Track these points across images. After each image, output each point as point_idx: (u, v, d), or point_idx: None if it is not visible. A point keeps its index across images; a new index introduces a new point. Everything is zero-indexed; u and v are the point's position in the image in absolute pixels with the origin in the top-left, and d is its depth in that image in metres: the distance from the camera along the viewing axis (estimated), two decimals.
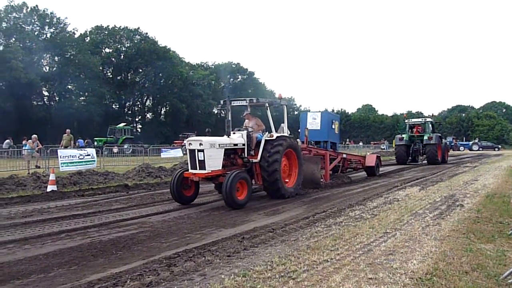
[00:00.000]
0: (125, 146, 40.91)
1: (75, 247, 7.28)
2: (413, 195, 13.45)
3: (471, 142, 76.32)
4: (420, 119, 35.88)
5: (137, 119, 79.22)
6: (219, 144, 11.59)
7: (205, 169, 11.21)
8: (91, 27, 72.03)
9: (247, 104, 12.94)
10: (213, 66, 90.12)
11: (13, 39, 58.83)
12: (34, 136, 23.86)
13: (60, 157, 18.84)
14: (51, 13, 64.07)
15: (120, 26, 73.05)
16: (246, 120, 13.61)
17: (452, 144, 66.74)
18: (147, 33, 75.07)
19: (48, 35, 63.53)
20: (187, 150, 11.78)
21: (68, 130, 26.76)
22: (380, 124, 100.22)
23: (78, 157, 19.39)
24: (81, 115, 58.87)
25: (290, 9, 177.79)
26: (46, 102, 64.78)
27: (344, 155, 20.01)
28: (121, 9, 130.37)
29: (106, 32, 72.07)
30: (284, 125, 13.80)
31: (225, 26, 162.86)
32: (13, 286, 5.37)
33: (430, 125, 33.18)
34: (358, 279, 5.40)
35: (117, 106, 74.80)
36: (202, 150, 11.20)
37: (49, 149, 23.47)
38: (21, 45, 57.45)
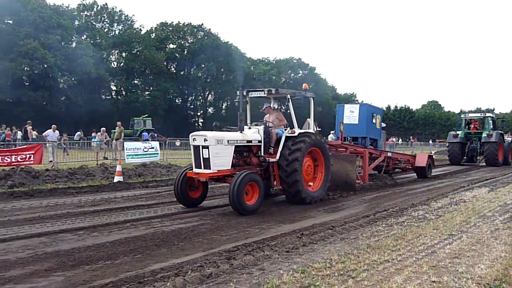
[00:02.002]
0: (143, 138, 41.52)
1: (139, 236, 7.56)
2: (481, 196, 12.84)
3: None
4: (478, 114, 31.90)
5: (199, 114, 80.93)
6: (228, 140, 10.11)
7: (210, 169, 9.77)
8: (157, 24, 74.41)
9: (265, 95, 11.53)
10: (274, 61, 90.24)
11: (84, 36, 61.87)
12: (103, 129, 25.00)
13: (126, 149, 19.59)
14: (120, 10, 66.94)
15: (184, 23, 74.91)
16: (266, 115, 12.18)
17: None
18: (210, 29, 76.49)
19: (117, 32, 66.34)
20: (191, 147, 10.34)
21: (119, 123, 27.37)
22: (446, 122, 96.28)
23: (143, 150, 20.04)
24: (146, 109, 60.99)
25: (349, 2, 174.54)
26: (113, 96, 67.66)
27: (389, 154, 18.42)
28: (186, 6, 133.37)
29: (171, 29, 74.02)
30: (310, 121, 12.20)
31: (286, 21, 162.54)
32: (83, 271, 5.66)
33: (491, 121, 28.90)
34: (420, 281, 5.24)
35: (180, 100, 76.73)
36: (207, 147, 9.77)
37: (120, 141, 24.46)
38: (91, 41, 60.37)
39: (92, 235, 7.61)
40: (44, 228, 8.06)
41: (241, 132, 10.78)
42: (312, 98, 12.29)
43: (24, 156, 15.89)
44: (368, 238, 7.43)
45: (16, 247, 6.69)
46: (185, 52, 74.97)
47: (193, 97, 79.19)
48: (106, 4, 65.56)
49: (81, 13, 64.56)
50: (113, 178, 15.44)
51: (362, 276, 5.38)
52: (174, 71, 76.21)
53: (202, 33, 75.73)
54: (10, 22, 52.99)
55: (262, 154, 10.93)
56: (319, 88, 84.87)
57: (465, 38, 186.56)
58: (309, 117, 12.26)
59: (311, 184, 11.72)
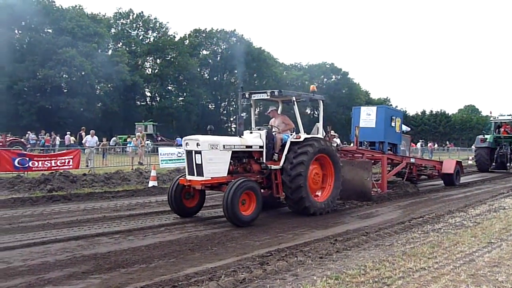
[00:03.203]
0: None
1: (173, 240, 7.66)
2: None
3: None
4: (509, 117, 28.84)
5: (231, 119, 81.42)
6: (223, 145, 9.38)
7: (203, 175, 9.12)
8: (190, 31, 75.35)
9: (268, 97, 10.73)
10: (306, 67, 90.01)
11: (120, 43, 63.34)
12: (138, 134, 25.44)
13: (160, 154, 19.89)
14: (154, 18, 68.23)
15: (217, 29, 75.67)
16: (272, 119, 11.45)
17: None
18: (242, 35, 77.09)
19: (151, 39, 67.65)
20: (184, 152, 9.78)
21: (140, 128, 27.63)
22: (484, 126, 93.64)
23: (177, 155, 20.30)
24: (180, 114, 61.89)
25: (384, 7, 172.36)
26: (148, 102, 68.86)
27: (412, 160, 17.16)
28: (219, 13, 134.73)
29: (204, 35, 74.89)
30: (320, 125, 11.29)
31: (319, 26, 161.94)
32: (119, 274, 5.77)
33: None
34: None
35: (213, 106, 77.43)
36: (200, 152, 9.13)
37: (151, 147, 24.91)
38: (127, 49, 61.75)
39: (128, 239, 7.75)
40: (82, 232, 8.27)
41: (240, 136, 10.05)
42: (321, 101, 11.48)
43: (62, 161, 16.38)
44: (403, 245, 7.30)
45: (55, 250, 6.89)
46: (218, 58, 75.64)
47: (226, 103, 79.75)
48: (141, 12, 67.11)
49: (117, 21, 66.23)
50: (148, 183, 15.70)
51: (397, 284, 5.29)
52: (207, 77, 77.00)
53: (235, 39, 76.30)
54: (50, 31, 54.84)
55: (264, 161, 10.16)
56: (352, 93, 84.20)
57: (503, 41, 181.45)
58: (318, 121, 11.39)
59: (319, 194, 10.82)
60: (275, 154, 10.41)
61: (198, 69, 72.20)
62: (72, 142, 33.69)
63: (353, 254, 6.79)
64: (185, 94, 68.60)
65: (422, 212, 10.87)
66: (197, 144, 9.15)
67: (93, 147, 21.32)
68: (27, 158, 15.80)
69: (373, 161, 15.16)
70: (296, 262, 6.25)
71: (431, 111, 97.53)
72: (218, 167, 9.29)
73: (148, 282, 5.36)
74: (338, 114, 77.65)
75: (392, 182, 16.35)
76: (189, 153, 9.43)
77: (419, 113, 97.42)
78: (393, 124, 15.81)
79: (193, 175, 9.33)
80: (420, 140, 54.47)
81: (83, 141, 22.11)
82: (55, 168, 15.80)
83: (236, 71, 74.95)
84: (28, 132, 39.58)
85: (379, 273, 5.67)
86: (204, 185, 9.27)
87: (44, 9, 53.89)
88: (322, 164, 10.92)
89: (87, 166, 19.02)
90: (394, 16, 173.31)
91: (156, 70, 67.83)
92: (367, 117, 15.62)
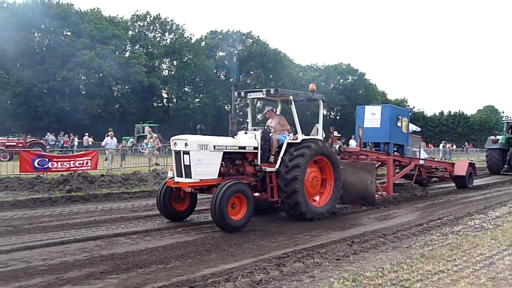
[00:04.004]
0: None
1: (190, 241, 7.70)
2: None
3: None
4: None
5: (248, 120, 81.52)
6: (214, 146, 8.93)
7: (191, 177, 8.67)
8: (206, 32, 75.55)
9: (264, 96, 10.30)
10: (322, 68, 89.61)
11: (137, 45, 63.93)
12: (155, 135, 25.62)
13: None
14: (171, 20, 68.56)
15: (233, 30, 75.73)
16: (269, 119, 10.95)
17: None
18: (258, 36, 76.92)
19: (168, 41, 68.05)
20: (172, 152, 9.32)
21: (149, 129, 27.87)
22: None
23: None
24: (196, 115, 62.15)
25: (401, 7, 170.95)
26: (165, 103, 69.33)
27: (421, 162, 16.36)
28: (235, 14, 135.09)
29: (220, 36, 75.03)
30: (319, 126, 10.80)
31: (335, 27, 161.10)
32: (136, 274, 5.82)
33: None
34: None
35: (229, 107, 77.56)
36: (188, 152, 8.71)
37: (168, 147, 25.07)
38: (144, 51, 62.23)
39: (145, 239, 7.81)
40: (100, 232, 8.36)
41: (233, 137, 9.57)
42: (321, 101, 10.91)
43: (81, 162, 16.59)
44: (421, 247, 7.22)
45: (73, 250, 6.97)
46: (234, 59, 75.76)
47: (242, 104, 79.65)
48: (158, 14, 67.50)
49: (135, 24, 66.79)
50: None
51: (415, 287, 5.24)
52: (224, 78, 77.19)
53: (251, 40, 76.34)
54: (69, 33, 55.63)
55: (259, 163, 9.62)
56: (369, 94, 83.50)
57: None
58: (318, 122, 10.90)
59: (317, 198, 10.26)
60: (272, 156, 9.85)
61: (214, 71, 72.44)
62: (90, 143, 34.13)
63: (371, 256, 6.73)
64: (201, 95, 68.91)
65: (441, 214, 10.75)
66: (186, 144, 8.73)
67: (113, 148, 21.51)
68: (47, 159, 16.04)
69: (379, 163, 14.75)
70: (313, 263, 6.23)
71: (449, 112, 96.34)
72: (207, 169, 8.81)
73: (165, 283, 5.39)
74: (355, 115, 77.17)
75: (399, 185, 15.74)
76: (177, 153, 8.99)
77: (437, 114, 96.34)
78: (399, 124, 15.02)
79: (182, 176, 8.89)
80: (443, 142, 53.97)
81: (102, 143, 22.34)
82: (73, 169, 16.00)
83: (252, 72, 75.07)
84: (47, 133, 40.21)
85: (397, 276, 5.61)
86: (193, 187, 8.81)
87: (63, 12, 54.71)
88: (321, 167, 10.39)
89: (107, 167, 19.23)
90: (410, 16, 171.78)
91: (173, 72, 68.23)
92: (372, 116, 14.87)
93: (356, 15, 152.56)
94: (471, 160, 21.31)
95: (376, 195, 12.50)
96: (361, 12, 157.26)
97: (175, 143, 9.06)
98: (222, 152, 9.07)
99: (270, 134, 10.04)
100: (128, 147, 31.14)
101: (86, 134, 36.58)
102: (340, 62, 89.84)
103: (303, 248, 7.19)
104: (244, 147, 9.55)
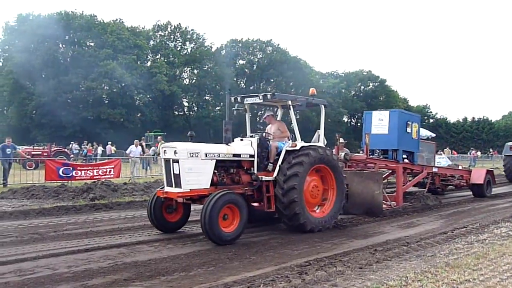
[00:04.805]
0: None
1: (212, 249, 7.72)
2: None
3: None
4: None
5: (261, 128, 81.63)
6: (205, 154, 8.44)
7: (180, 187, 8.22)
8: (227, 41, 76.09)
9: (261, 101, 9.83)
10: (343, 74, 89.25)
11: (159, 55, 64.81)
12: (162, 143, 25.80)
13: None
14: (192, 30, 69.40)
15: (253, 39, 75.96)
16: (268, 125, 10.58)
17: None
18: (278, 44, 76.98)
19: (189, 50, 68.84)
20: (162, 160, 8.91)
21: (159, 137, 28.12)
22: None
23: None
24: (217, 124, 62.46)
25: (423, 13, 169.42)
26: (186, 112, 69.95)
27: (435, 169, 15.60)
28: (255, 23, 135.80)
29: (240, 45, 75.44)
30: (321, 132, 10.26)
31: (356, 34, 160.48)
32: (159, 281, 5.86)
33: None
34: None
35: (250, 115, 77.70)
36: (177, 161, 8.25)
37: None
38: (165, 60, 63.07)
39: (168, 247, 7.87)
40: (123, 240, 8.45)
41: (227, 144, 9.11)
42: (323, 106, 10.34)
43: (104, 170, 16.83)
44: (446, 256, 7.11)
45: (97, 257, 7.06)
46: (254, 67, 76.02)
47: (263, 112, 79.78)
48: (179, 24, 68.42)
49: (156, 33, 67.83)
50: None
51: None
52: (244, 86, 77.44)
53: (271, 48, 76.44)
54: (92, 44, 56.73)
55: (255, 171, 9.08)
56: (390, 100, 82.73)
57: None
58: (320, 128, 10.35)
59: (317, 209, 9.78)
60: (270, 164, 9.33)
61: (235, 79, 72.79)
62: (113, 151, 34.56)
63: (394, 264, 6.65)
64: (222, 103, 69.30)
65: (466, 222, 10.57)
66: (175, 152, 8.25)
67: (138, 157, 21.73)
68: (71, 168, 16.34)
69: (390, 171, 14.28)
70: (335, 272, 6.18)
71: (473, 118, 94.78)
72: (198, 178, 8.33)
73: None
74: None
75: (410, 194, 15.05)
76: (167, 161, 8.52)
77: (460, 120, 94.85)
78: (408, 130, 14.19)
79: (171, 186, 8.44)
80: (471, 148, 53.18)
81: (127, 151, 22.63)
82: (97, 177, 16.26)
83: (272, 80, 75.13)
84: (72, 142, 40.90)
85: (421, 285, 5.54)
86: (183, 197, 8.37)
87: (87, 23, 55.92)
88: (322, 176, 9.88)
89: (131, 175, 19.45)
90: (432, 21, 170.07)
91: (194, 80, 68.89)
92: (379, 122, 14.13)
93: (377, 22, 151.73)
94: (491, 168, 20.47)
95: (385, 205, 12.02)
96: (382, 19, 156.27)
97: (165, 150, 8.64)
98: (215, 160, 8.60)
99: (269, 141, 9.57)
100: (151, 155, 31.47)
101: (109, 142, 37.09)
102: (361, 69, 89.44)
103: (325, 256, 7.15)
104: (239, 155, 9.04)
